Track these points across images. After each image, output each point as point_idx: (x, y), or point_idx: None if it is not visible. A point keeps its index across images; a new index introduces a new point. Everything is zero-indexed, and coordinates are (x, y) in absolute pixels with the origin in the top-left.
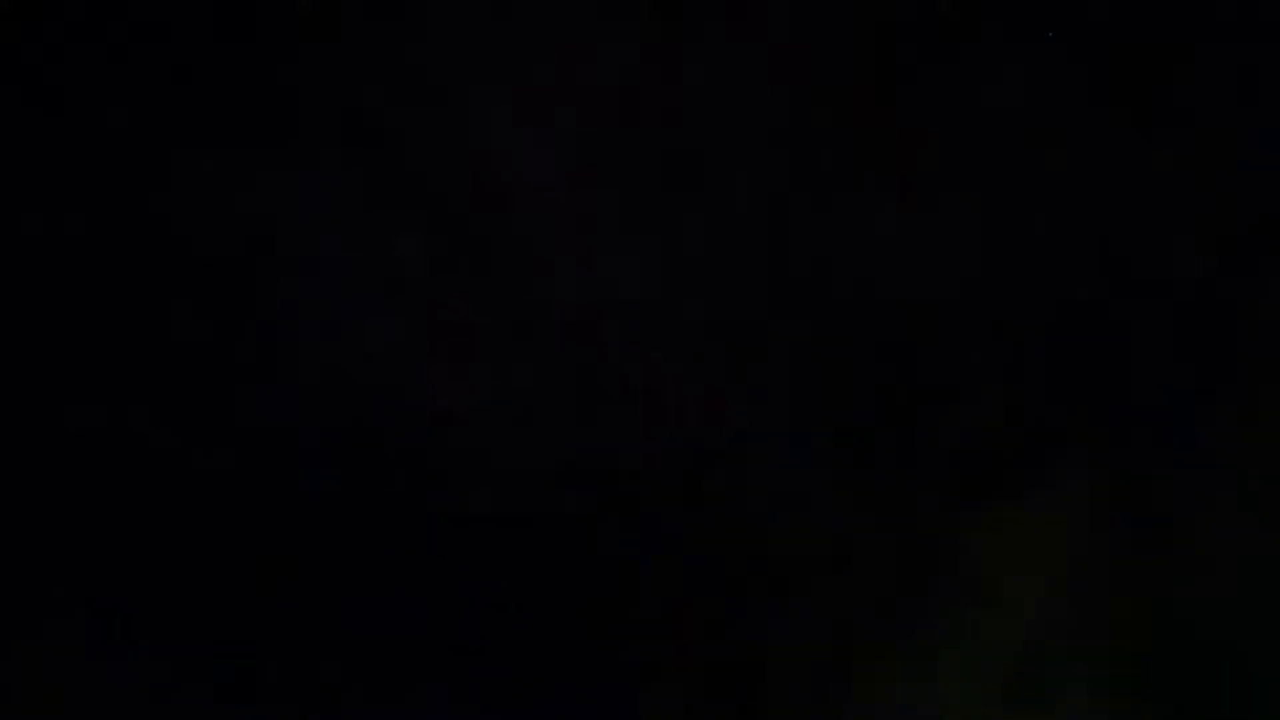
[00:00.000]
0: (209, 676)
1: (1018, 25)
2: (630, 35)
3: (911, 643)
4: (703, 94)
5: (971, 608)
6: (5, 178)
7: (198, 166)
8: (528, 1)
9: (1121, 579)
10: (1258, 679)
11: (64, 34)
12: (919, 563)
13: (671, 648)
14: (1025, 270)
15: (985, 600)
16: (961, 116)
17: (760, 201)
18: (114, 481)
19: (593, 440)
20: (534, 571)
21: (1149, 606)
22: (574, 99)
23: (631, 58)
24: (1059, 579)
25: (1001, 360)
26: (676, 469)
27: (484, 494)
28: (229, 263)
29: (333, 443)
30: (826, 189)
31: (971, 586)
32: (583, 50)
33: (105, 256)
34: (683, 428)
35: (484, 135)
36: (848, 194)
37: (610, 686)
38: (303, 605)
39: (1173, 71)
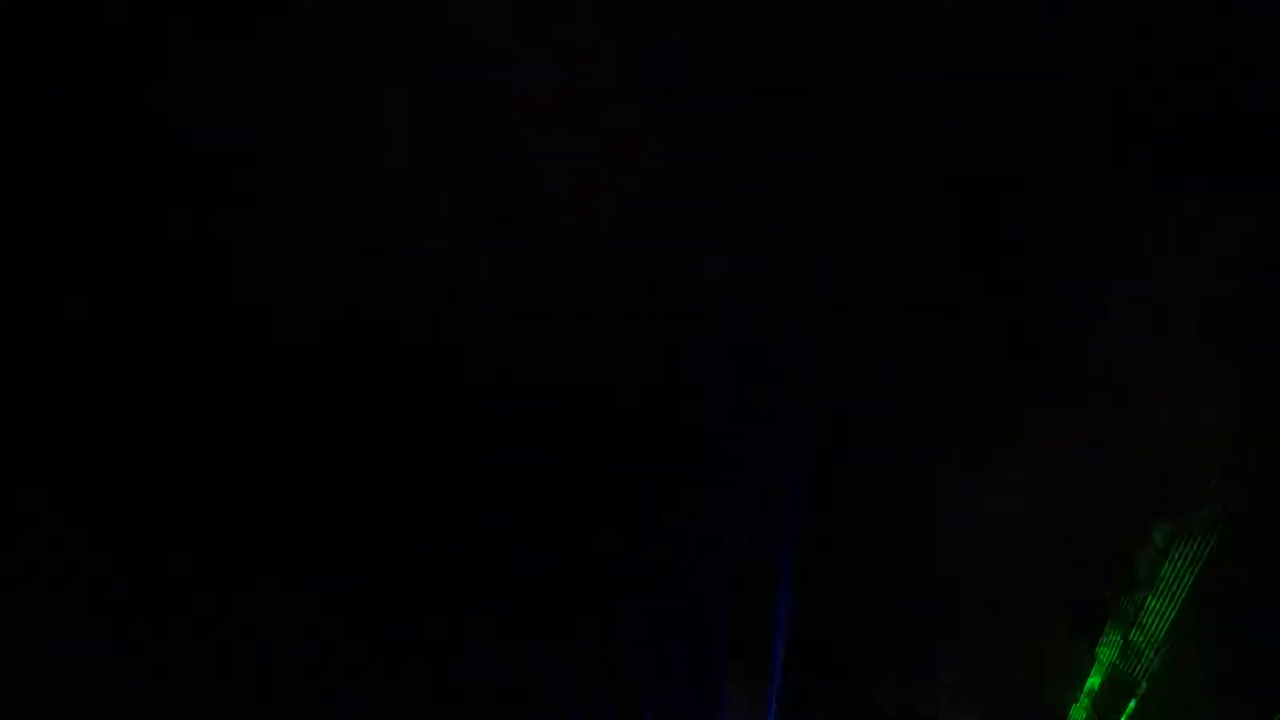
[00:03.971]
0: (196, 562)
1: None
2: None
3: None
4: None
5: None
6: (7, 78)
7: (197, 60)
8: None
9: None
10: None
11: None
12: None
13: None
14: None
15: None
16: None
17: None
18: (111, 374)
19: (619, 315)
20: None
21: None
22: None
23: None
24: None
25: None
26: (724, 339)
27: (496, 371)
28: (229, 153)
29: (338, 331)
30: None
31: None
32: None
33: (108, 152)
34: (723, 298)
35: (487, 36)
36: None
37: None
38: (309, 496)
39: None
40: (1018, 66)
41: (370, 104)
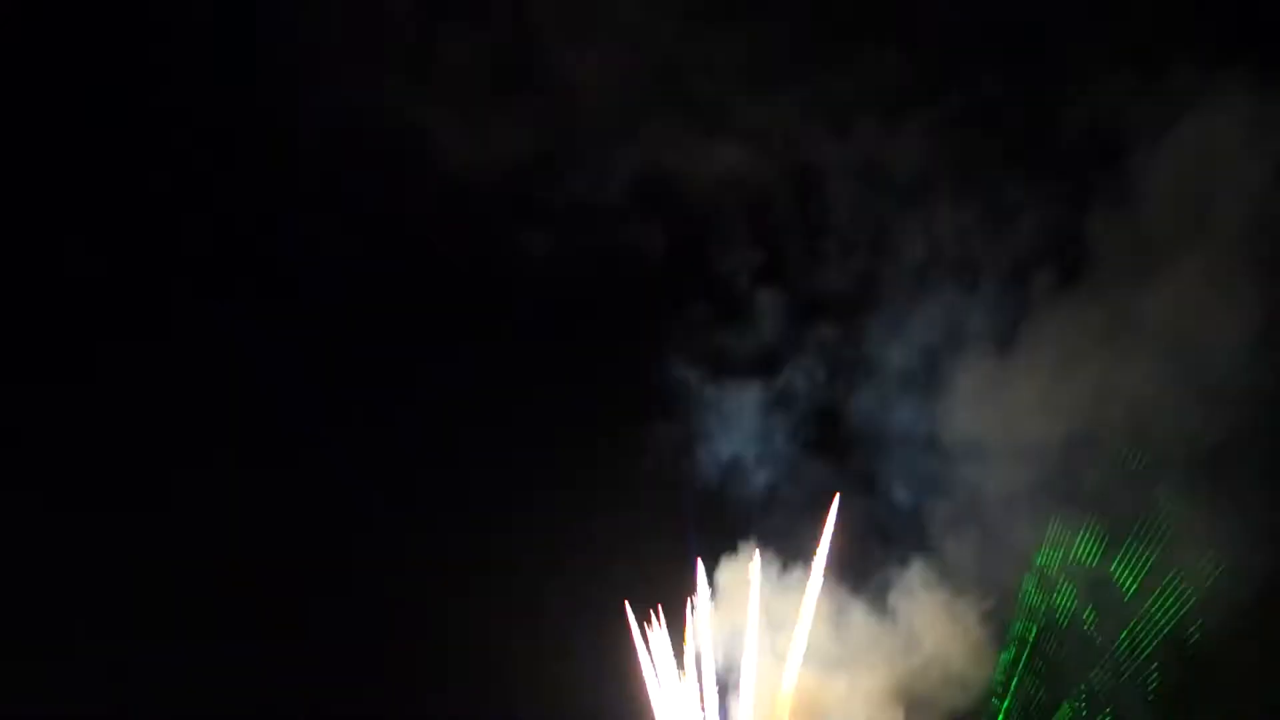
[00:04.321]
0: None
1: None
2: None
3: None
4: None
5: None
6: None
7: None
8: None
9: None
10: None
11: None
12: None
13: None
14: None
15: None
16: None
17: None
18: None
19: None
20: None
21: None
22: None
23: None
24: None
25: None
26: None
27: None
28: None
29: (340, 202)
30: None
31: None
32: None
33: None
34: (745, 151)
35: None
36: None
37: None
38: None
39: None
40: None
41: None
